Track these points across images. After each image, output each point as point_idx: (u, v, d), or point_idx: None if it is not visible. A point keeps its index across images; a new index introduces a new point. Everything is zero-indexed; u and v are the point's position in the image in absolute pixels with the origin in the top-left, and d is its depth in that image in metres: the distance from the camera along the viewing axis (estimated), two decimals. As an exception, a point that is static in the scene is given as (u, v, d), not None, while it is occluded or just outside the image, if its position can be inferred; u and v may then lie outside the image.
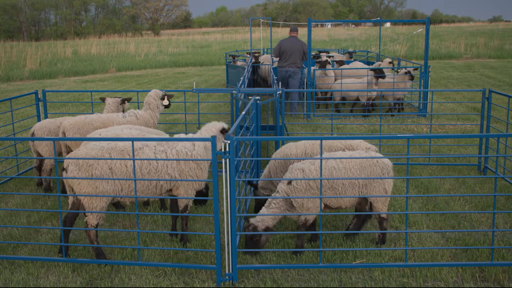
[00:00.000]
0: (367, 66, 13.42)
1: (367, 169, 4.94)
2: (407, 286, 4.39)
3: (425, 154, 8.29)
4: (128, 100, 7.49)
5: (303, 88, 12.29)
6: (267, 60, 16.20)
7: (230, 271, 4.47)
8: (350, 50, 19.66)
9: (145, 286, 4.44)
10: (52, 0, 75.61)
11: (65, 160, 4.72)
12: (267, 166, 5.92)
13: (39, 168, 7.11)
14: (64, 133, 6.51)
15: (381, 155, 5.16)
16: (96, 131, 6.07)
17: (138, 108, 7.70)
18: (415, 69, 12.23)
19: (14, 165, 7.98)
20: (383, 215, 5.09)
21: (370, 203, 5.11)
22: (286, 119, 11.39)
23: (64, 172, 4.71)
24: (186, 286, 4.44)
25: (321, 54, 17.42)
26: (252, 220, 4.88)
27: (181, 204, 5.19)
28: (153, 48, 35.66)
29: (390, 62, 13.32)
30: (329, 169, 4.86)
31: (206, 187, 6.11)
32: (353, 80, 11.91)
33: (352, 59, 16.13)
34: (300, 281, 4.50)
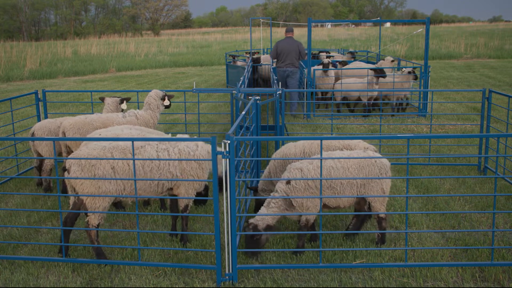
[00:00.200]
0: (368, 66, 13.41)
1: (365, 168, 4.94)
2: (407, 286, 4.39)
3: (425, 154, 8.28)
4: (127, 100, 7.49)
5: (303, 88, 12.31)
6: (267, 60, 16.21)
7: (230, 271, 4.47)
8: (351, 50, 19.65)
9: (145, 286, 4.44)
10: (52, 0, 75.63)
11: (67, 161, 4.71)
12: (267, 167, 5.92)
13: (39, 168, 7.12)
14: (64, 133, 6.51)
15: (380, 155, 5.17)
16: (96, 131, 6.07)
17: (138, 108, 7.71)
18: (415, 69, 12.24)
19: (14, 165, 7.98)
20: (382, 215, 5.09)
21: (369, 203, 5.12)
22: (286, 119, 11.39)
23: (66, 173, 4.71)
24: (186, 286, 4.44)
25: (321, 54, 17.43)
26: (252, 219, 4.88)
27: (182, 204, 5.19)
28: (153, 48, 35.67)
29: (392, 61, 13.31)
30: (327, 168, 4.87)
31: (206, 188, 6.11)
32: (354, 80, 11.92)
33: (354, 59, 16.13)
34: (300, 281, 4.50)
